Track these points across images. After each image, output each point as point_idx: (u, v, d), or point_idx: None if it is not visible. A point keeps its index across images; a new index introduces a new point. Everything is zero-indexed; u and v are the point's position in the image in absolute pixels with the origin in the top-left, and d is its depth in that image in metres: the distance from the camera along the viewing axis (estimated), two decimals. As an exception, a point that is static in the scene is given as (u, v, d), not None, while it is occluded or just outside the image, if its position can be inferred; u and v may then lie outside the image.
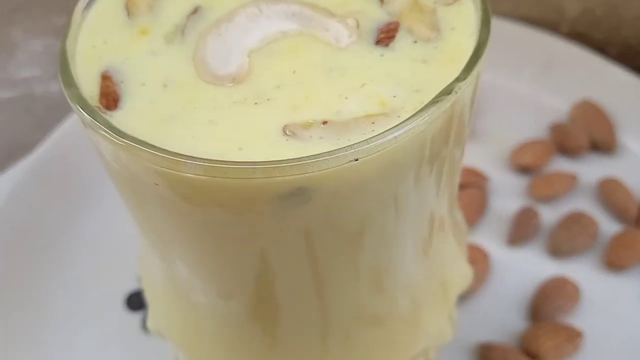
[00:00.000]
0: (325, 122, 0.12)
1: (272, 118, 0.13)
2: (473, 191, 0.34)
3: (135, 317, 0.32)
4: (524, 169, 0.36)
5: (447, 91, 0.13)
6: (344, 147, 0.11)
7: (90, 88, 0.14)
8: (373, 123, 0.12)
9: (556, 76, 0.40)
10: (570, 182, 0.35)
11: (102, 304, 0.32)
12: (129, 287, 0.33)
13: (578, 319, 0.30)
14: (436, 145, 0.13)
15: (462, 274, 0.21)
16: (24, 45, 0.48)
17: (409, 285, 0.17)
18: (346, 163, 0.11)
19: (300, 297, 0.15)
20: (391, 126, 0.12)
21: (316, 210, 0.12)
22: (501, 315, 0.31)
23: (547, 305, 0.30)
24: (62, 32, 0.15)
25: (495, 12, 0.41)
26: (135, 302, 0.32)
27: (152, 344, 0.31)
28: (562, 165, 0.37)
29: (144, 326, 0.32)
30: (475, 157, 0.37)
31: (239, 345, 0.17)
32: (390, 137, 0.12)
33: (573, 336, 0.29)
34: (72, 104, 0.13)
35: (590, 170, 0.36)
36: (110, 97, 0.13)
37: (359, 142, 0.11)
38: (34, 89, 0.45)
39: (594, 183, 0.35)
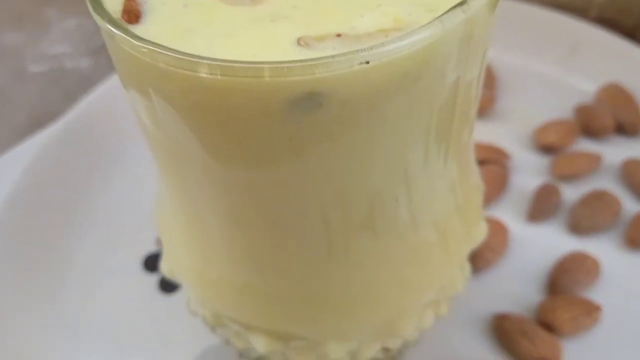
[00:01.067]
0: (339, 35, 0.13)
1: (287, 32, 0.13)
2: (494, 167, 0.34)
3: (151, 278, 0.32)
4: (547, 149, 0.36)
5: (460, 3, 0.13)
6: (355, 50, 0.12)
7: (114, 8, 0.14)
8: (386, 37, 0.13)
9: (582, 59, 0.39)
10: (593, 162, 0.34)
11: (120, 265, 0.33)
12: (146, 249, 0.34)
13: (596, 295, 0.29)
14: (449, 62, 0.13)
15: (475, 227, 0.21)
16: (58, 23, 0.49)
17: (419, 219, 0.17)
18: (356, 66, 0.12)
19: (309, 220, 0.15)
20: (404, 38, 0.12)
21: (327, 119, 0.13)
22: (518, 288, 0.30)
23: (566, 279, 0.29)
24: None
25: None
26: (152, 263, 0.33)
27: (167, 302, 0.31)
28: (586, 146, 0.36)
29: (159, 286, 0.32)
30: (497, 136, 0.36)
31: (247, 280, 0.18)
32: (402, 43, 0.12)
33: (591, 310, 0.28)
34: (95, 17, 0.14)
35: (615, 151, 0.35)
36: (132, 14, 0.14)
37: (371, 46, 0.12)
38: (65, 64, 0.46)
39: (617, 164, 0.35)
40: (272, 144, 0.13)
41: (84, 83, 0.43)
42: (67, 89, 0.44)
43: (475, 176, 0.21)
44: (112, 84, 0.39)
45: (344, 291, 0.18)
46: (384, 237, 0.16)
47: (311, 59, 0.11)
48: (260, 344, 0.20)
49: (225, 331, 0.22)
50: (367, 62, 0.12)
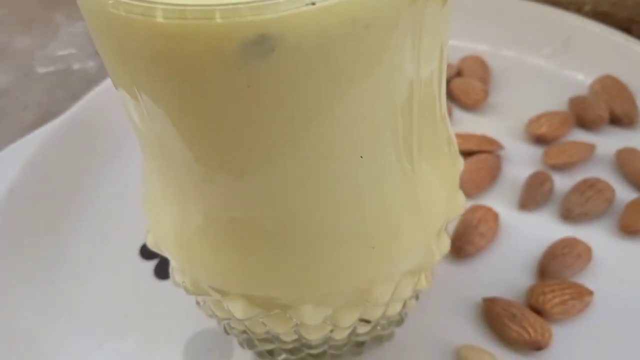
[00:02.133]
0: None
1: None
2: (486, 156, 0.34)
3: (147, 265, 0.33)
4: (540, 140, 0.36)
5: None
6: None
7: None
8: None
9: (577, 53, 0.39)
10: (586, 151, 0.34)
11: (117, 252, 0.34)
12: (144, 239, 0.34)
13: (588, 280, 0.29)
14: (401, 11, 0.13)
15: (452, 198, 0.21)
16: (66, 27, 0.51)
17: (385, 180, 0.17)
18: (303, 7, 0.12)
19: (275, 173, 0.15)
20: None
21: (281, 66, 0.13)
22: (508, 275, 0.30)
23: (556, 263, 0.29)
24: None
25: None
26: (148, 251, 0.33)
27: (162, 288, 0.32)
28: (580, 137, 0.36)
29: (155, 273, 0.33)
30: (491, 128, 0.37)
31: (221, 241, 0.18)
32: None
33: (583, 294, 0.28)
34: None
35: (609, 142, 0.35)
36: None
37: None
38: (72, 65, 0.47)
39: (611, 154, 0.35)
40: (230, 93, 0.13)
41: (90, 83, 0.44)
42: (73, 89, 0.45)
43: (452, 146, 0.21)
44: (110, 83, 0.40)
45: (313, 253, 0.18)
46: (349, 197, 0.17)
47: (260, 0, 0.12)
48: (238, 310, 0.20)
49: (207, 302, 0.22)
50: (314, 3, 0.12)
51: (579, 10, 0.41)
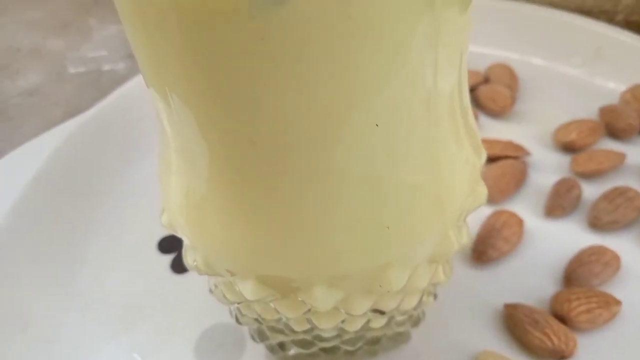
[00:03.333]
0: None
1: None
2: (512, 161, 0.34)
3: (164, 259, 0.33)
4: (568, 147, 0.35)
5: None
6: None
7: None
8: None
9: (608, 62, 0.39)
10: (616, 159, 0.33)
11: (135, 245, 0.34)
12: (163, 233, 0.34)
13: (615, 290, 0.28)
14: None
15: (473, 183, 0.20)
16: (98, 31, 0.52)
17: (400, 155, 0.16)
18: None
19: (287, 140, 0.15)
20: None
21: (296, 17, 0.13)
22: (532, 281, 0.29)
23: (583, 271, 0.28)
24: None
25: (549, 3, 0.41)
26: (166, 245, 0.33)
27: (178, 282, 0.32)
28: (610, 146, 0.35)
29: (171, 267, 0.32)
30: (517, 135, 0.36)
31: (232, 217, 0.18)
32: None
33: (610, 303, 0.27)
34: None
35: (640, 152, 0.34)
36: None
37: None
38: (102, 66, 0.48)
39: (643, 164, 0.34)
40: (243, 46, 0.13)
41: (119, 84, 0.45)
42: (103, 88, 0.46)
43: (475, 133, 0.20)
44: (141, 79, 0.40)
45: (324, 230, 0.17)
46: (363, 170, 0.16)
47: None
48: (248, 290, 0.19)
49: (219, 286, 0.22)
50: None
51: (610, 20, 0.40)
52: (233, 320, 0.29)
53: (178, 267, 0.32)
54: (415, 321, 0.26)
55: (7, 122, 0.45)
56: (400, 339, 0.26)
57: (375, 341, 0.25)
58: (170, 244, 0.34)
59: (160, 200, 0.22)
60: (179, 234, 0.21)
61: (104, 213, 0.35)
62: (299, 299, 0.19)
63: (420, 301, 0.23)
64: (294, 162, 0.16)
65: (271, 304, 0.20)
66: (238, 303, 0.21)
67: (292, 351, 0.25)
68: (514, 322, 0.27)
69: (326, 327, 0.21)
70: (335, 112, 0.15)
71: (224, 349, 0.28)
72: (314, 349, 0.24)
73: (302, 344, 0.24)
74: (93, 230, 0.34)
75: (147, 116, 0.39)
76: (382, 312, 0.21)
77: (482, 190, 0.21)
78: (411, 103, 0.16)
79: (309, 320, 0.21)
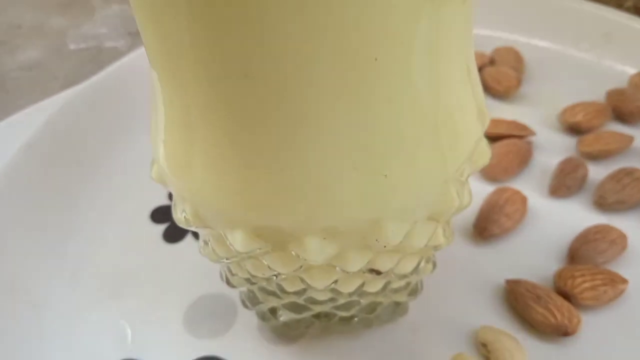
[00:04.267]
0: None
1: None
2: (516, 140, 0.33)
3: (158, 228, 0.32)
4: (573, 129, 0.34)
5: None
6: None
7: None
8: None
9: (616, 47, 0.38)
10: (623, 141, 0.32)
11: (128, 215, 0.33)
12: (156, 203, 0.33)
13: (621, 270, 0.27)
14: None
15: (476, 135, 0.19)
16: (101, 10, 0.52)
17: (401, 95, 0.16)
18: None
19: (283, 76, 0.14)
20: None
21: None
22: (535, 259, 0.28)
23: (588, 248, 0.27)
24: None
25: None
26: (159, 215, 0.33)
27: (170, 252, 0.31)
28: (616, 129, 0.34)
29: (164, 236, 0.32)
30: (522, 116, 0.35)
31: (223, 162, 0.17)
32: None
33: (616, 281, 0.26)
34: None
35: (649, 136, 0.33)
36: None
37: None
38: (103, 43, 0.48)
39: (651, 147, 0.33)
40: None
41: (119, 60, 0.44)
42: (102, 64, 0.45)
43: (480, 99, 0.20)
44: (142, 51, 0.40)
45: (318, 176, 0.16)
46: (360, 111, 0.15)
47: None
48: (238, 242, 0.19)
49: (209, 243, 0.21)
50: None
51: (619, 6, 0.39)
52: (224, 290, 0.28)
53: (170, 237, 0.32)
54: (413, 291, 0.25)
55: (4, 95, 0.44)
56: (397, 310, 0.25)
57: (371, 310, 0.24)
58: (163, 214, 0.33)
59: (153, 152, 0.22)
60: (168, 186, 0.21)
61: (96, 182, 0.34)
62: (292, 251, 0.18)
63: (417, 266, 0.22)
64: (289, 99, 0.15)
65: (262, 260, 0.19)
66: (228, 259, 0.20)
67: (284, 317, 0.24)
68: (515, 297, 0.26)
69: (319, 285, 0.20)
70: (333, 41, 0.14)
71: (214, 318, 0.28)
72: (306, 314, 0.23)
73: (294, 308, 0.23)
74: (85, 198, 0.33)
75: (144, 89, 0.38)
76: (378, 272, 0.20)
77: (486, 149, 0.20)
78: (412, 38, 0.15)
79: (302, 280, 0.20)
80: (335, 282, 0.20)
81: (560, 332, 0.25)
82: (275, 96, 0.15)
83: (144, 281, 0.30)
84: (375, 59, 0.15)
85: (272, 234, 0.18)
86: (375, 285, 0.22)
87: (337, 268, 0.19)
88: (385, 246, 0.18)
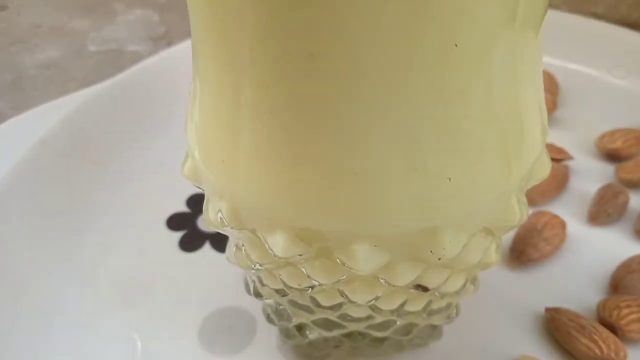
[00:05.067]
0: None
1: None
2: (554, 163, 0.31)
3: (174, 236, 0.30)
4: (611, 155, 0.33)
5: None
6: None
7: None
8: None
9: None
10: (666, 170, 0.31)
11: (144, 221, 0.31)
12: (174, 210, 0.32)
13: (669, 303, 0.25)
14: None
15: (540, 146, 0.18)
16: (123, 15, 0.51)
17: (473, 96, 0.14)
18: None
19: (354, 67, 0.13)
20: None
21: None
22: (575, 287, 0.27)
23: (632, 279, 0.26)
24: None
25: (592, 14, 0.40)
26: (176, 222, 0.31)
27: (186, 261, 0.29)
28: (656, 159, 0.33)
29: (181, 245, 0.30)
30: (557, 141, 0.34)
31: (272, 153, 0.16)
32: None
33: (663, 315, 0.24)
34: None
35: (690, 166, 0.32)
36: None
37: None
38: (124, 47, 0.47)
39: (693, 178, 0.31)
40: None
41: (141, 62, 0.43)
42: (123, 68, 0.44)
43: (544, 112, 0.18)
44: (165, 55, 0.39)
45: (378, 170, 0.15)
46: (427, 105, 0.14)
47: None
48: (278, 246, 0.17)
49: (241, 247, 0.19)
50: None
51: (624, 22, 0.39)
52: (243, 304, 0.27)
53: (187, 245, 0.30)
54: (450, 314, 0.23)
55: (20, 93, 0.43)
56: (433, 334, 0.24)
57: (406, 332, 0.22)
58: (180, 221, 0.31)
59: (186, 147, 0.20)
60: (203, 184, 0.19)
61: (111, 185, 0.33)
62: (337, 259, 0.17)
63: (464, 286, 0.20)
64: (354, 84, 0.14)
65: (302, 268, 0.18)
66: (261, 267, 0.19)
67: (312, 334, 0.23)
68: (556, 326, 0.24)
69: (361, 300, 0.19)
70: (412, 24, 0.13)
71: (231, 334, 0.26)
72: (336, 332, 0.22)
73: (325, 325, 0.21)
74: (99, 201, 0.32)
75: (165, 92, 0.37)
76: (424, 289, 0.19)
77: (547, 161, 0.19)
78: (496, 27, 0.14)
79: (341, 293, 0.19)
80: (377, 298, 0.19)
81: (607, 367, 0.23)
82: (340, 80, 0.14)
83: (157, 291, 0.28)
84: (455, 45, 0.14)
85: (316, 239, 0.17)
86: (417, 304, 0.20)
87: (383, 281, 0.18)
88: (440, 259, 0.17)
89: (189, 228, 0.31)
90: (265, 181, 0.16)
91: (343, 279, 0.18)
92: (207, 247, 0.30)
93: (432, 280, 0.18)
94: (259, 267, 0.19)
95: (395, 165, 0.15)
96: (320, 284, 0.18)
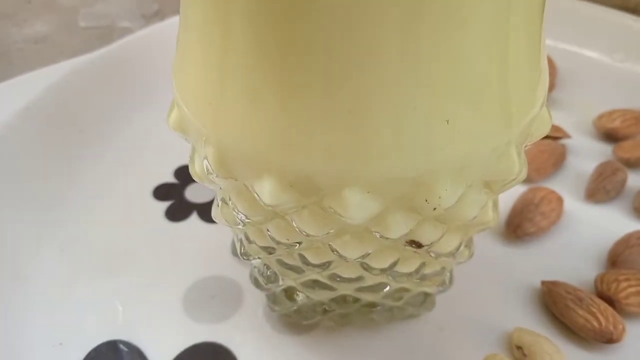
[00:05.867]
0: None
1: None
2: (550, 141, 0.31)
3: (160, 206, 0.29)
4: (609, 134, 0.32)
5: None
6: None
7: None
8: None
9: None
10: (665, 150, 0.30)
11: (130, 190, 0.30)
12: (160, 180, 0.31)
13: (668, 279, 0.25)
14: None
15: (540, 99, 0.17)
16: (115, -8, 0.50)
17: (472, 35, 0.14)
18: None
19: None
20: None
21: None
22: (572, 262, 0.26)
23: (632, 254, 0.25)
24: None
25: (591, -1, 0.39)
26: (162, 193, 0.30)
27: (171, 230, 0.28)
28: (654, 140, 0.32)
29: (167, 214, 0.29)
30: (556, 120, 0.33)
31: (260, 94, 0.15)
32: None
33: (664, 289, 0.23)
34: None
35: (689, 148, 0.31)
36: None
37: None
38: (114, 23, 0.46)
39: (691, 159, 0.31)
40: None
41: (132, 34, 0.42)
42: (109, 44, 0.43)
43: (545, 64, 0.18)
44: (156, 28, 0.38)
45: (374, 107, 0.14)
46: (431, 31, 0.13)
47: None
48: (266, 192, 0.16)
49: (228, 200, 0.19)
50: None
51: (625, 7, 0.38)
52: (229, 273, 0.26)
53: (173, 215, 0.29)
54: (443, 282, 0.22)
55: (7, 66, 0.42)
56: (425, 303, 0.23)
57: (398, 297, 0.22)
58: (166, 192, 0.30)
59: (172, 99, 0.19)
60: (189, 134, 0.18)
61: (98, 154, 0.32)
62: (327, 207, 0.16)
63: (458, 247, 0.19)
64: (350, 18, 0.13)
65: (291, 219, 0.17)
66: (248, 219, 0.18)
67: (300, 298, 0.22)
68: (553, 299, 0.24)
69: (352, 255, 0.18)
70: None
71: (216, 302, 0.25)
72: (326, 296, 0.21)
73: (314, 287, 0.21)
74: (84, 170, 0.31)
75: (154, 65, 0.36)
76: (418, 245, 0.18)
77: (547, 118, 0.18)
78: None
79: (331, 247, 0.18)
80: (368, 255, 0.18)
81: (604, 339, 0.22)
82: (334, 15, 0.13)
83: (141, 259, 0.27)
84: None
85: (306, 186, 0.16)
86: (409, 265, 0.19)
87: (376, 234, 0.17)
88: (435, 208, 0.16)
89: (176, 198, 0.30)
90: (253, 122, 0.15)
91: (333, 231, 0.17)
92: (194, 217, 0.29)
93: (426, 235, 0.18)
94: (246, 220, 0.18)
95: (393, 103, 0.14)
96: (309, 236, 0.17)
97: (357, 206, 0.16)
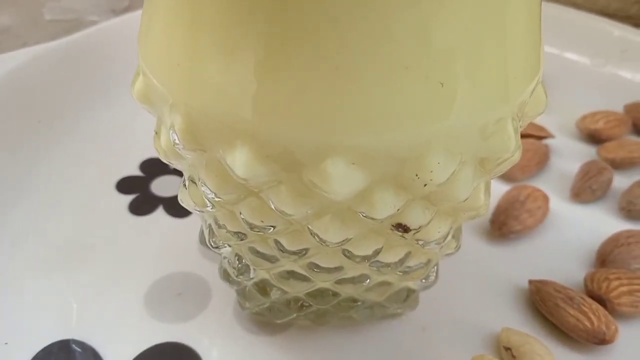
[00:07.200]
0: None
1: None
2: (534, 141, 0.30)
3: (123, 199, 0.27)
4: (593, 136, 0.31)
5: None
6: None
7: None
8: None
9: (631, 63, 0.36)
10: (648, 151, 0.30)
11: (92, 183, 0.28)
12: (125, 173, 0.29)
13: (658, 279, 0.24)
14: None
15: (537, 85, 0.16)
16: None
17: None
18: None
19: None
20: None
21: None
22: (559, 262, 0.25)
23: (621, 253, 0.24)
24: None
25: (572, 3, 0.39)
26: (126, 186, 0.28)
27: (134, 225, 0.26)
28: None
29: (130, 208, 0.27)
30: (539, 121, 0.32)
31: (236, 51, 0.13)
32: None
33: (655, 289, 0.22)
34: None
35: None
36: None
37: None
38: (82, 17, 0.44)
39: (675, 161, 0.30)
40: None
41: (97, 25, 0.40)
42: (79, 37, 0.41)
43: (541, 45, 0.17)
44: (125, 18, 0.36)
45: (360, 66, 0.13)
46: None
47: None
48: (240, 165, 0.14)
49: (196, 175, 0.17)
50: None
51: (636, 24, 0.38)
52: (195, 269, 0.24)
53: (137, 209, 0.27)
54: (428, 277, 0.21)
55: (-35, 55, 0.39)
56: (407, 301, 0.21)
57: (380, 293, 0.20)
58: (131, 185, 0.28)
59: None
60: (154, 105, 0.17)
61: (57, 146, 0.30)
62: (307, 179, 0.14)
63: (446, 235, 0.18)
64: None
65: (266, 197, 0.15)
66: (218, 199, 0.16)
67: (274, 293, 0.20)
68: (542, 298, 0.22)
69: (332, 238, 0.16)
70: None
71: (181, 300, 0.23)
72: (302, 289, 0.19)
73: (289, 279, 0.19)
74: (41, 162, 0.29)
75: (119, 56, 0.34)
76: (405, 229, 0.16)
77: (543, 97, 0.17)
78: None
79: (310, 231, 0.16)
80: (350, 240, 0.16)
81: (596, 340, 0.21)
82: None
83: (101, 254, 0.25)
84: None
85: (284, 156, 0.14)
86: (394, 254, 0.18)
87: (360, 214, 0.15)
88: (426, 185, 0.15)
89: (142, 192, 0.28)
90: (226, 83, 0.14)
91: (312, 211, 0.15)
92: (159, 211, 0.27)
93: (414, 218, 0.16)
94: (216, 200, 0.16)
95: (383, 61, 0.13)
96: (286, 216, 0.16)
97: (340, 179, 0.14)
